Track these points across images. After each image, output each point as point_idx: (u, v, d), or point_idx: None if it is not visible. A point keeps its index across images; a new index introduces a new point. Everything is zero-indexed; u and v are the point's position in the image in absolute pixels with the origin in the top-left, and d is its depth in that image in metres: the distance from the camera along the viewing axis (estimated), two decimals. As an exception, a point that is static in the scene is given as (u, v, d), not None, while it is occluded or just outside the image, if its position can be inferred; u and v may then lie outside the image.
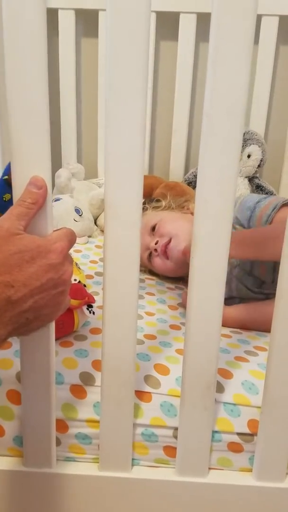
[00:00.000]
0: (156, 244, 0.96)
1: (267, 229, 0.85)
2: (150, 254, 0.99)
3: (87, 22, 1.33)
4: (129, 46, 0.45)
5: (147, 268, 1.03)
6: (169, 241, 0.95)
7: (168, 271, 0.97)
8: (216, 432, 0.61)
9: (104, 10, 1.26)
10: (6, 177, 0.75)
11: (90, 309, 0.71)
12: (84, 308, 0.70)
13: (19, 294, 0.44)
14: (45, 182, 0.48)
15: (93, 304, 0.71)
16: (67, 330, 0.69)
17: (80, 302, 0.68)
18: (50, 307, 0.48)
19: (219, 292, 0.53)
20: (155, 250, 0.96)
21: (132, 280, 0.53)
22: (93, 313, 0.71)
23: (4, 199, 0.62)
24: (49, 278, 0.46)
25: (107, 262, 0.53)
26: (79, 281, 0.74)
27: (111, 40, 0.45)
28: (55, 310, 0.49)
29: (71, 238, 0.50)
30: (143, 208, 1.06)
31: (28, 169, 0.48)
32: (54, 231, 0.50)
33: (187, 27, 1.27)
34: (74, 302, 0.67)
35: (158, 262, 0.97)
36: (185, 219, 0.99)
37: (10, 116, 0.46)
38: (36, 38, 0.45)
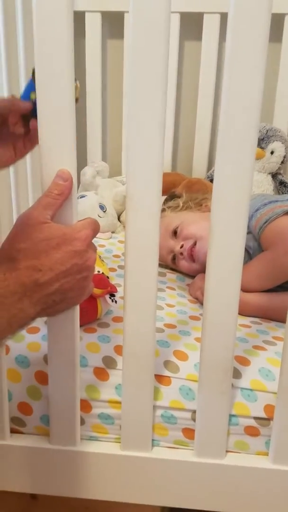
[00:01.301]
0: (181, 247, 0.97)
1: (273, 259, 0.86)
2: (173, 257, 1.01)
3: (113, 24, 1.37)
4: (149, 47, 0.48)
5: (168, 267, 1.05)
6: (194, 243, 0.97)
7: (195, 272, 0.99)
8: (233, 416, 0.64)
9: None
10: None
11: (112, 298, 0.74)
12: (107, 297, 0.73)
13: (46, 277, 0.48)
14: (70, 175, 0.51)
15: (115, 294, 0.74)
16: (91, 317, 0.73)
17: (103, 291, 0.72)
18: (75, 290, 0.52)
19: (236, 281, 0.56)
20: (181, 254, 0.97)
21: (151, 269, 0.56)
22: (115, 301, 0.74)
23: (31, 98, 0.62)
24: (73, 263, 0.50)
25: (128, 252, 0.56)
26: (102, 273, 0.78)
27: (133, 41, 0.48)
28: (80, 294, 0.53)
29: (95, 227, 0.54)
30: (163, 210, 1.09)
31: (56, 163, 0.52)
32: (78, 221, 0.54)
33: (210, 27, 1.30)
34: (97, 291, 0.71)
35: (185, 265, 0.99)
36: (206, 219, 1.00)
37: (39, 116, 0.50)
38: (64, 41, 0.48)
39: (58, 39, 0.48)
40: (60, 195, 0.51)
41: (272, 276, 0.85)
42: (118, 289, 0.75)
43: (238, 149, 0.51)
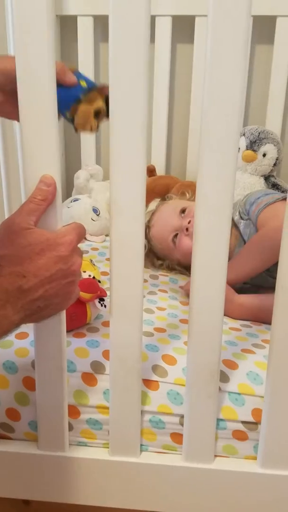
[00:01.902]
0: (189, 223, 0.99)
1: (262, 236, 0.89)
2: (175, 236, 1.02)
3: (105, 28, 1.36)
4: (129, 49, 0.49)
5: (165, 261, 1.06)
6: None
7: None
8: (221, 420, 0.63)
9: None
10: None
11: (102, 302, 0.74)
12: (96, 301, 0.73)
13: (30, 283, 0.48)
14: (54, 180, 0.51)
15: (105, 298, 0.74)
16: (80, 322, 0.73)
17: (92, 295, 0.72)
18: (60, 296, 0.51)
19: (221, 283, 0.56)
20: (187, 229, 0.99)
21: (136, 272, 0.56)
22: (105, 306, 0.74)
23: (81, 84, 0.60)
24: (58, 269, 0.50)
25: (113, 256, 0.56)
26: (94, 277, 0.77)
27: (113, 43, 0.49)
28: (65, 299, 0.53)
29: (80, 232, 0.54)
30: (170, 197, 1.11)
31: (39, 169, 0.52)
32: (63, 226, 0.54)
33: (202, 30, 1.30)
34: (86, 296, 0.71)
35: (186, 242, 0.99)
36: None
37: (21, 121, 0.50)
38: (45, 43, 0.48)
39: (38, 41, 0.48)
40: (43, 201, 0.51)
41: (262, 254, 0.86)
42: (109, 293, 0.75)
43: (220, 150, 0.51)
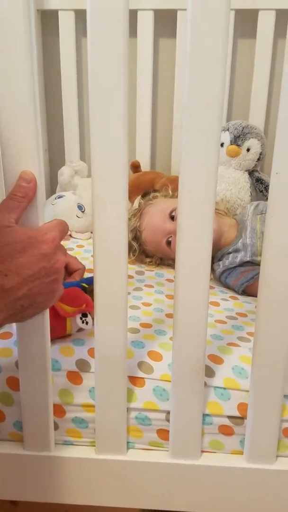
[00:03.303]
0: None
1: None
2: (168, 240, 1.03)
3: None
4: (108, 42, 0.48)
5: (156, 257, 1.06)
6: None
7: None
8: (207, 415, 0.63)
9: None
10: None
11: (84, 319, 0.69)
12: (78, 317, 0.68)
13: (13, 282, 0.47)
14: (34, 176, 0.50)
15: (88, 313, 0.69)
16: (57, 335, 0.67)
17: (74, 310, 0.67)
18: (44, 294, 0.51)
19: (205, 278, 0.55)
20: None
21: (120, 269, 0.55)
22: (86, 323, 0.69)
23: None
24: (41, 267, 0.49)
25: (97, 253, 0.55)
26: (83, 285, 0.73)
27: (91, 36, 0.48)
28: (49, 298, 0.52)
29: (62, 229, 0.53)
30: (154, 196, 1.11)
31: (18, 164, 0.51)
32: (45, 223, 0.53)
33: (185, 24, 1.29)
34: (68, 309, 0.67)
35: None
36: None
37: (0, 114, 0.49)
38: (21, 36, 0.47)
39: (15, 31, 0.47)
40: (24, 198, 0.50)
41: None
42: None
43: (201, 145, 0.50)
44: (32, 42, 0.48)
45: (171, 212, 1.03)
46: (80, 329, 0.70)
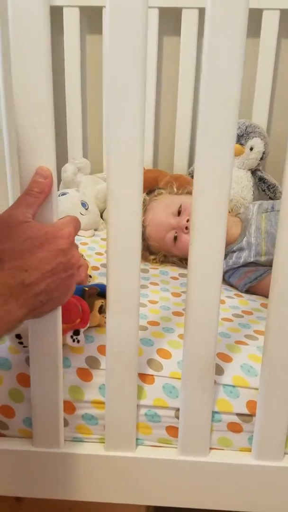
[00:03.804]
0: (187, 221, 1.00)
1: None
2: (174, 235, 1.03)
3: (92, 19, 1.35)
4: (127, 41, 0.48)
5: (160, 255, 1.06)
6: None
7: None
8: (216, 412, 0.64)
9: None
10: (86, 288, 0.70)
11: (75, 337, 0.63)
12: (68, 335, 0.63)
13: (32, 277, 0.47)
14: (50, 172, 0.50)
15: (81, 330, 0.64)
16: None
17: (66, 326, 0.62)
18: (60, 290, 0.51)
19: (217, 277, 0.56)
20: (186, 228, 1.01)
21: (133, 265, 0.56)
22: (78, 341, 0.63)
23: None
24: (58, 262, 0.49)
25: (110, 249, 0.55)
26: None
27: (111, 36, 0.48)
28: (65, 293, 0.52)
29: (76, 225, 0.53)
30: (159, 193, 1.11)
31: (34, 160, 0.51)
32: (59, 219, 0.53)
33: (189, 22, 1.29)
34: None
35: (189, 239, 1.00)
36: None
37: (16, 111, 0.49)
38: (41, 35, 0.47)
39: (34, 34, 0.47)
40: (41, 193, 0.50)
41: None
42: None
43: (217, 143, 0.51)
44: (49, 40, 0.48)
45: (178, 208, 1.03)
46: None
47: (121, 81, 0.49)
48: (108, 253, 0.56)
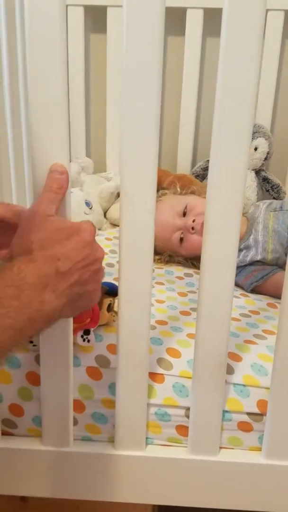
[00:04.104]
0: (193, 222, 1.01)
1: None
2: (180, 235, 1.03)
3: (96, 18, 1.35)
4: (144, 42, 0.48)
5: (165, 255, 1.06)
6: None
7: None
8: (227, 411, 0.64)
9: (112, 6, 1.28)
10: None
11: (85, 337, 0.63)
12: (79, 335, 0.63)
13: (66, 266, 0.47)
14: (66, 168, 0.50)
15: (91, 330, 0.64)
16: None
17: (77, 325, 0.62)
18: (92, 284, 0.50)
19: (231, 275, 0.56)
20: (192, 228, 1.01)
21: (146, 264, 0.56)
22: (88, 341, 0.63)
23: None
24: (87, 253, 0.49)
25: (123, 247, 0.55)
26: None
27: (127, 36, 0.48)
28: (97, 288, 0.52)
29: (92, 223, 0.53)
30: (163, 193, 1.11)
31: (49, 156, 0.50)
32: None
33: (194, 22, 1.29)
34: None
35: (195, 239, 1.01)
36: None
37: (31, 110, 0.49)
38: (57, 33, 0.47)
39: (51, 32, 0.47)
40: (60, 189, 0.51)
41: None
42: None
43: (232, 140, 0.51)
44: (65, 37, 0.48)
45: (184, 208, 1.03)
46: None
47: (138, 81, 0.49)
48: (120, 251, 0.55)
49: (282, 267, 0.97)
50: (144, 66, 0.48)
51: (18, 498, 0.85)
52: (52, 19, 0.47)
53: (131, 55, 0.48)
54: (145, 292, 0.57)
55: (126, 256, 0.55)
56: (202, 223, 1.00)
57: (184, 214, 1.04)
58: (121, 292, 0.57)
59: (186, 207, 1.03)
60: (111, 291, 0.67)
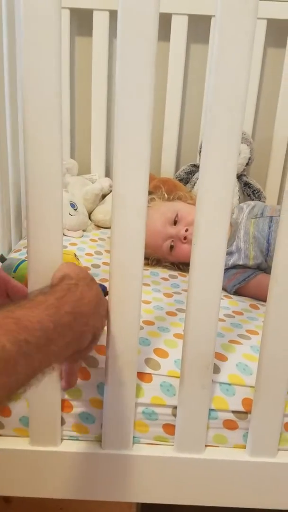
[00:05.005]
0: (186, 231, 1.02)
1: None
2: (170, 244, 1.04)
3: (82, 21, 1.36)
4: (138, 46, 0.49)
5: (153, 258, 1.07)
6: None
7: None
8: (213, 410, 0.65)
9: (98, 9, 1.29)
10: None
11: None
12: None
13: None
14: None
15: None
16: None
17: None
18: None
19: (218, 277, 0.57)
20: (185, 238, 1.02)
21: (137, 265, 0.56)
22: None
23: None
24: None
25: (114, 249, 0.56)
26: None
27: (122, 40, 0.49)
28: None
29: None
30: (152, 199, 1.12)
31: (41, 155, 0.51)
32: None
33: (178, 29, 1.31)
34: None
35: (186, 248, 1.02)
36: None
37: (25, 106, 0.50)
38: (52, 35, 0.48)
39: (46, 34, 0.48)
40: None
41: None
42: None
43: (222, 144, 0.52)
44: (59, 38, 0.49)
45: (175, 216, 1.04)
46: None
47: (131, 84, 0.50)
48: (112, 252, 0.56)
49: (263, 270, 0.99)
50: (138, 71, 0.49)
51: (1, 499, 0.85)
52: (48, 20, 0.47)
53: (125, 59, 0.49)
54: (135, 293, 0.58)
55: (117, 258, 0.56)
56: None
57: (175, 222, 1.04)
58: (112, 292, 0.58)
59: (177, 216, 1.04)
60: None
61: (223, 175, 0.53)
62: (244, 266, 1.00)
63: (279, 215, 0.56)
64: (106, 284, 0.70)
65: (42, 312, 0.44)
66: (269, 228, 0.99)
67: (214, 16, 1.38)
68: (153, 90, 0.50)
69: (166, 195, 1.13)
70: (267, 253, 0.98)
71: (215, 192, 0.54)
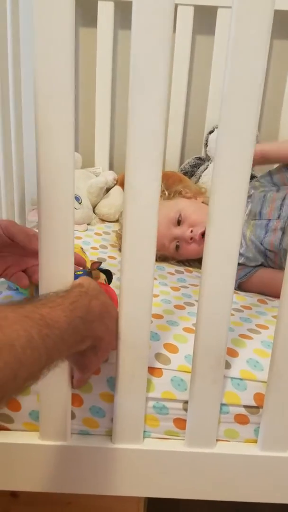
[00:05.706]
0: (191, 232, 1.01)
1: None
2: (176, 244, 1.04)
3: (86, 11, 1.34)
4: (154, 37, 0.48)
5: (160, 256, 1.06)
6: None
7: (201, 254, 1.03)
8: (224, 404, 0.64)
9: (103, 0, 1.27)
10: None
11: None
12: None
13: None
14: None
15: None
16: None
17: None
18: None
19: (232, 269, 0.56)
20: (191, 238, 1.01)
21: (149, 256, 0.56)
22: None
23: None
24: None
25: (126, 242, 0.55)
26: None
27: (136, 32, 0.48)
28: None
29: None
30: None
31: (53, 144, 0.50)
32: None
33: (184, 19, 1.30)
34: None
35: (194, 248, 1.02)
36: (198, 205, 1.05)
37: (36, 96, 0.49)
38: (66, 24, 0.47)
39: (59, 23, 0.47)
40: None
41: None
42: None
43: (239, 135, 0.51)
44: (73, 26, 0.48)
45: (178, 216, 1.03)
46: None
47: (145, 74, 0.49)
48: (124, 245, 0.55)
49: (266, 266, 0.98)
50: (152, 61, 0.48)
51: (8, 494, 0.84)
52: (60, 10, 0.46)
53: (139, 50, 0.48)
54: (147, 286, 0.57)
55: (129, 250, 0.55)
56: (200, 234, 1.00)
57: (179, 222, 1.03)
58: (123, 286, 0.57)
59: (180, 215, 1.03)
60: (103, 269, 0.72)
61: (238, 165, 0.52)
62: (244, 265, 0.99)
63: (279, 215, 0.55)
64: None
65: (61, 313, 0.48)
66: (266, 233, 0.97)
67: (220, 7, 1.37)
68: (168, 82, 0.49)
69: (166, 193, 1.11)
70: (266, 254, 0.97)
71: (230, 182, 0.53)
